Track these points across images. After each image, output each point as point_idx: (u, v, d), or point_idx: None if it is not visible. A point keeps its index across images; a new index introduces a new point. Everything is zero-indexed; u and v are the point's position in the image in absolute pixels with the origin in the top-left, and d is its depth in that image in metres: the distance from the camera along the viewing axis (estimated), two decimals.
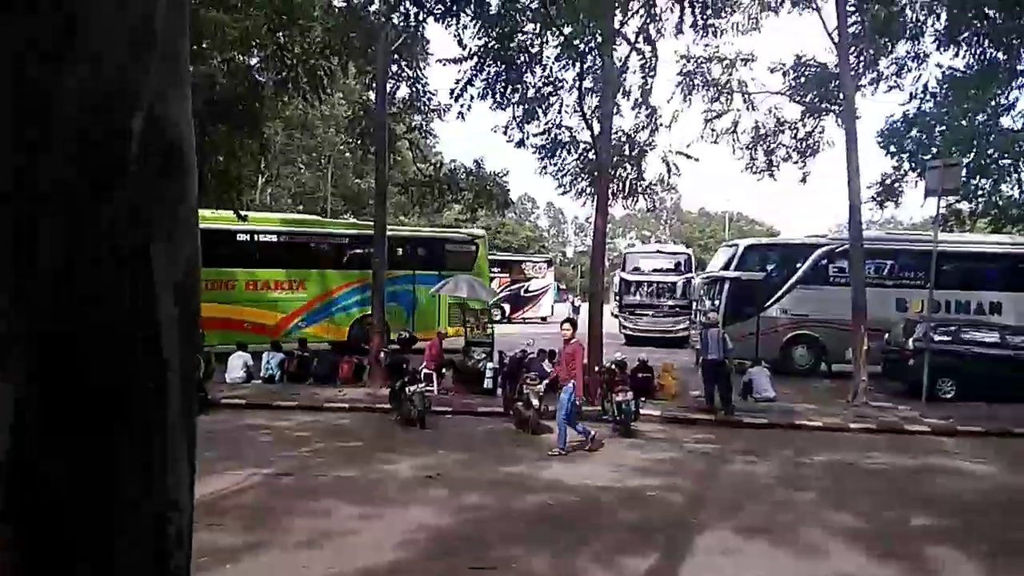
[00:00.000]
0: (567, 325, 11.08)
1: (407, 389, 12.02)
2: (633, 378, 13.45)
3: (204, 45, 13.61)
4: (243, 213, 18.29)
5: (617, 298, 29.25)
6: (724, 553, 6.58)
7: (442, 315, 21.39)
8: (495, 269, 37.48)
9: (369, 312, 20.34)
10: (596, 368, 13.81)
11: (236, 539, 6.27)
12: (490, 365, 15.26)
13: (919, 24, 18.10)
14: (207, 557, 5.59)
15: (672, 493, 8.56)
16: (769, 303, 19.52)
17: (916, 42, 18.54)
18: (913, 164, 20.31)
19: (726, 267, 20.87)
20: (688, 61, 19.20)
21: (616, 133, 16.45)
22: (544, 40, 16.09)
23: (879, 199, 21.73)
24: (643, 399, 12.98)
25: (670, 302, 27.61)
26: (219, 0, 13.67)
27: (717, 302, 20.23)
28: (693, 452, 10.79)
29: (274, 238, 20.98)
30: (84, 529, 1.56)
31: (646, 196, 18.04)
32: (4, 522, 1.59)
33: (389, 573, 5.87)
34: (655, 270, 29.06)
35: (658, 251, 32.48)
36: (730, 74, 19.55)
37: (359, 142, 21.19)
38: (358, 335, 20.28)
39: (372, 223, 17.28)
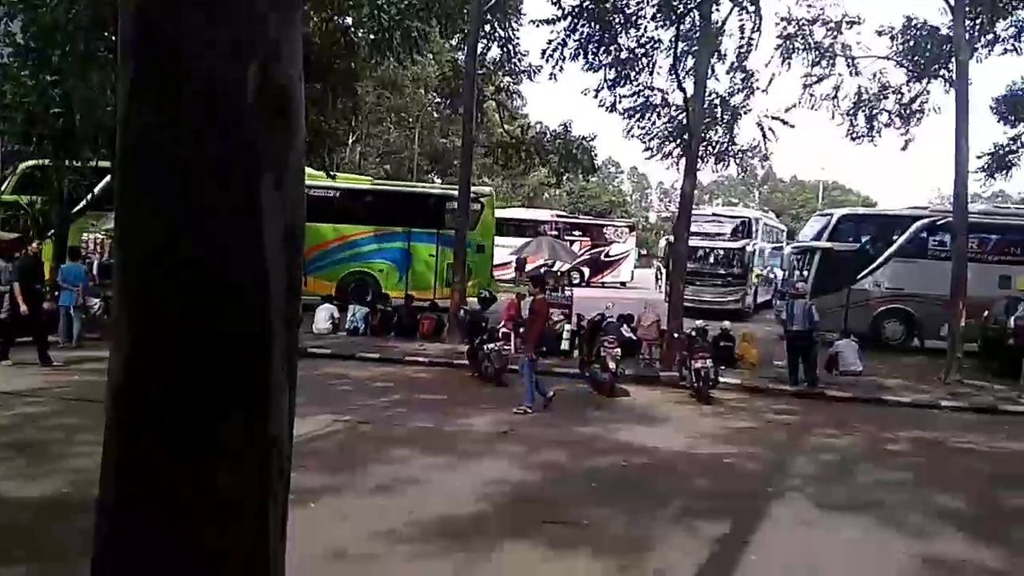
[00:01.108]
0: (534, 285, 11.37)
1: (485, 347, 12.21)
2: (714, 346, 13.26)
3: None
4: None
5: (664, 265, 27.74)
6: (801, 524, 6.50)
7: (439, 274, 20.46)
8: (576, 233, 37.28)
9: (356, 269, 20.34)
10: (675, 334, 13.68)
11: (318, 481, 6.57)
12: (567, 327, 15.31)
13: None
14: (292, 496, 5.88)
15: (750, 462, 8.46)
16: (862, 275, 18.83)
17: None
18: None
19: (818, 237, 20.19)
20: (789, 23, 18.38)
21: (710, 96, 16.02)
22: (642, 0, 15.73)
23: (988, 170, 20.47)
24: (723, 367, 12.80)
25: (723, 270, 25.08)
26: None
27: (806, 272, 19.62)
28: (773, 423, 10.61)
29: None
30: (189, 456, 1.68)
31: (737, 161, 17.54)
32: (115, 443, 1.74)
33: (464, 522, 6.04)
34: (708, 235, 25.87)
35: (714, 214, 28.92)
36: (834, 37, 18.61)
37: (448, 102, 21.27)
38: (344, 289, 19.71)
39: (367, 178, 17.18)
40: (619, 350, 11.81)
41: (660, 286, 26.52)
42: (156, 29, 1.63)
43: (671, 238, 27.44)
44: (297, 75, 1.76)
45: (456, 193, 23.02)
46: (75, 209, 16.47)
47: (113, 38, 13.97)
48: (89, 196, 16.29)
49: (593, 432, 9.34)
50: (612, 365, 11.53)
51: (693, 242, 25.79)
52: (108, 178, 15.76)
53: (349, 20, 16.05)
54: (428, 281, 20.38)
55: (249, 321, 1.71)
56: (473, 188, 24.74)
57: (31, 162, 17.93)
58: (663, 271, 27.69)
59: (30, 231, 16.38)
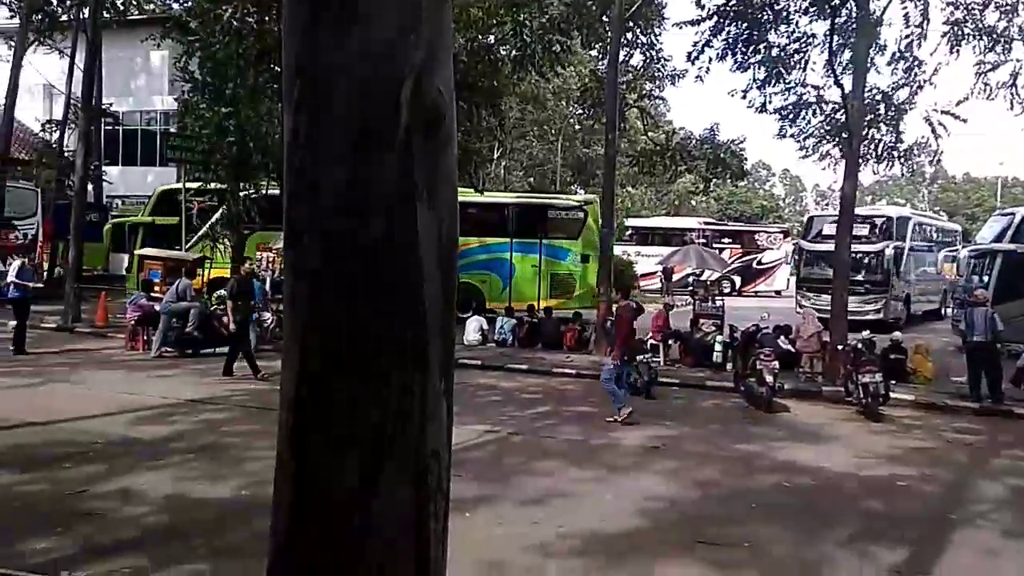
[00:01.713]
0: (617, 291, 11.34)
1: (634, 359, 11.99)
2: (883, 358, 12.33)
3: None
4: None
5: (795, 271, 25.60)
6: (990, 554, 5.88)
7: (543, 285, 20.10)
8: (725, 240, 36.09)
9: (461, 280, 19.97)
10: (839, 346, 12.87)
11: (472, 490, 6.66)
12: (719, 338, 14.81)
13: None
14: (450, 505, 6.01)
15: (927, 485, 7.78)
16: None
17: None
18: None
19: (999, 238, 18.41)
20: (957, 8, 16.91)
21: (870, 91, 15.06)
22: None
23: None
24: (894, 382, 11.88)
25: (859, 276, 21.59)
26: None
27: (986, 278, 17.90)
28: (952, 443, 9.71)
29: None
30: (355, 463, 1.73)
31: (902, 161, 16.35)
32: (288, 449, 1.81)
33: (618, 539, 5.92)
34: None
35: None
36: (1009, 20, 16.93)
37: (590, 112, 21.24)
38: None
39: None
40: (777, 363, 11.24)
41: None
42: (315, 52, 1.71)
43: (801, 242, 25.36)
44: (448, 93, 1.79)
45: (558, 202, 22.90)
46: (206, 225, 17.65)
47: (278, 69, 15.08)
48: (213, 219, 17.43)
49: (751, 449, 8.92)
50: (769, 379, 10.98)
51: (824, 246, 22.20)
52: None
53: (492, 38, 16.41)
54: (532, 292, 19.97)
55: (408, 334, 1.74)
56: (573, 196, 24.04)
57: (165, 186, 19.62)
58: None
59: (210, 250, 17.85)
